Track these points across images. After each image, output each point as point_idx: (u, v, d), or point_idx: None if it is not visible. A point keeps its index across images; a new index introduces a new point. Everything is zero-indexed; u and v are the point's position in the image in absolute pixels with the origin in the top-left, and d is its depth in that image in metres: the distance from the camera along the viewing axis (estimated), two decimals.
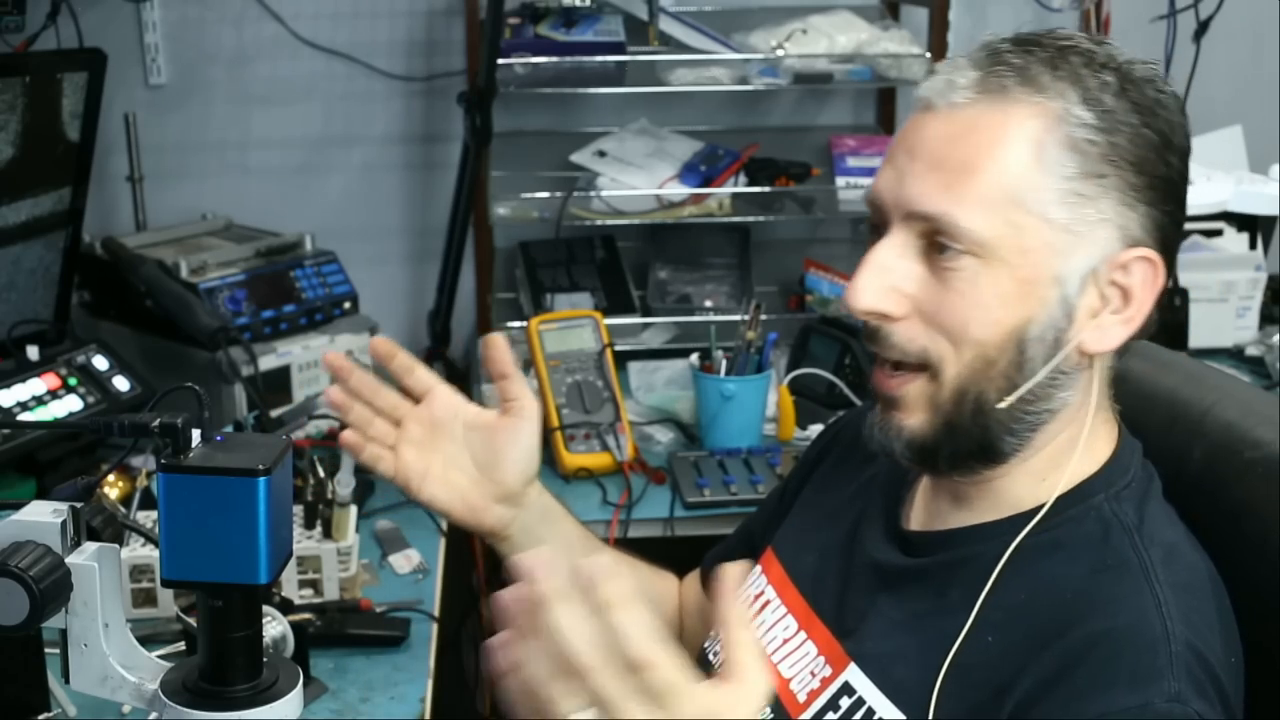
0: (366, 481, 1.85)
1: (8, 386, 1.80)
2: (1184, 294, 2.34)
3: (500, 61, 2.24)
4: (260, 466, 0.84)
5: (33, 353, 1.87)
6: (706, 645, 1.16)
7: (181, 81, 2.50)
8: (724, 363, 2.01)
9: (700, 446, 2.05)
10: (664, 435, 2.13)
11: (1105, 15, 2.61)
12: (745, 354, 2.00)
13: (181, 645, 1.37)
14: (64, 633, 0.92)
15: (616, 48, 2.32)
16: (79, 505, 0.94)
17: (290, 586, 1.53)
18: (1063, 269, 0.91)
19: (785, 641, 1.07)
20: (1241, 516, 0.99)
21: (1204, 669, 0.86)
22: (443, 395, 1.20)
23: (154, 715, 0.90)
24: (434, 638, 1.54)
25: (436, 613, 1.59)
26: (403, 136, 2.59)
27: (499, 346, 1.18)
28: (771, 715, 1.02)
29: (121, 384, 1.91)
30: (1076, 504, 0.96)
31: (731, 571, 0.76)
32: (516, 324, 2.39)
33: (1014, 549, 0.94)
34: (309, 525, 1.58)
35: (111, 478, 1.68)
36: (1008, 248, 0.91)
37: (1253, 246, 2.49)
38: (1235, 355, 2.40)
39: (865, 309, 0.95)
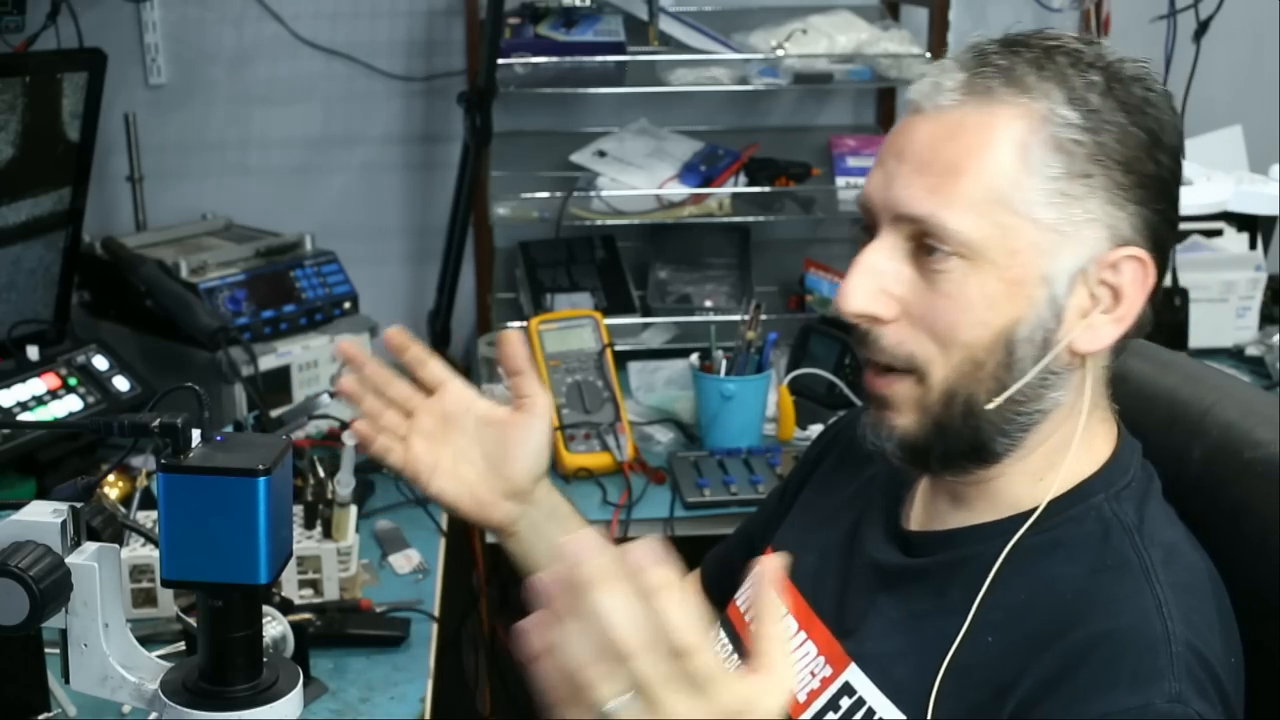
0: (366, 481, 1.85)
1: (8, 386, 1.80)
2: (1184, 294, 2.34)
3: (500, 61, 2.24)
4: (260, 466, 0.83)
5: (33, 353, 1.87)
6: None
7: (181, 81, 2.50)
8: (724, 363, 2.01)
9: (700, 446, 2.05)
10: (664, 435, 2.13)
11: (1105, 15, 2.62)
12: (745, 354, 2.00)
13: (181, 645, 1.37)
14: (64, 633, 0.92)
15: (616, 48, 2.32)
16: (79, 505, 0.93)
17: (290, 586, 1.53)
18: (1050, 269, 0.91)
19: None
20: (1241, 516, 0.99)
21: (1205, 669, 0.86)
22: (455, 389, 1.20)
23: (154, 715, 0.90)
24: (434, 638, 1.54)
25: (436, 613, 1.59)
26: (403, 136, 2.59)
27: (513, 343, 1.18)
28: None
29: (121, 384, 1.91)
30: (1076, 504, 0.96)
31: (770, 564, 0.76)
32: (516, 324, 2.39)
33: (1014, 549, 0.94)
34: (309, 525, 1.58)
35: (111, 478, 1.68)
36: (995, 249, 0.91)
37: (1253, 246, 2.49)
38: (1235, 355, 2.40)
39: (855, 312, 0.95)
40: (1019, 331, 0.92)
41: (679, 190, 2.41)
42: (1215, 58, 2.51)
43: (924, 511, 1.04)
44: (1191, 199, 2.29)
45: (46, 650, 1.15)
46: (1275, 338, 2.32)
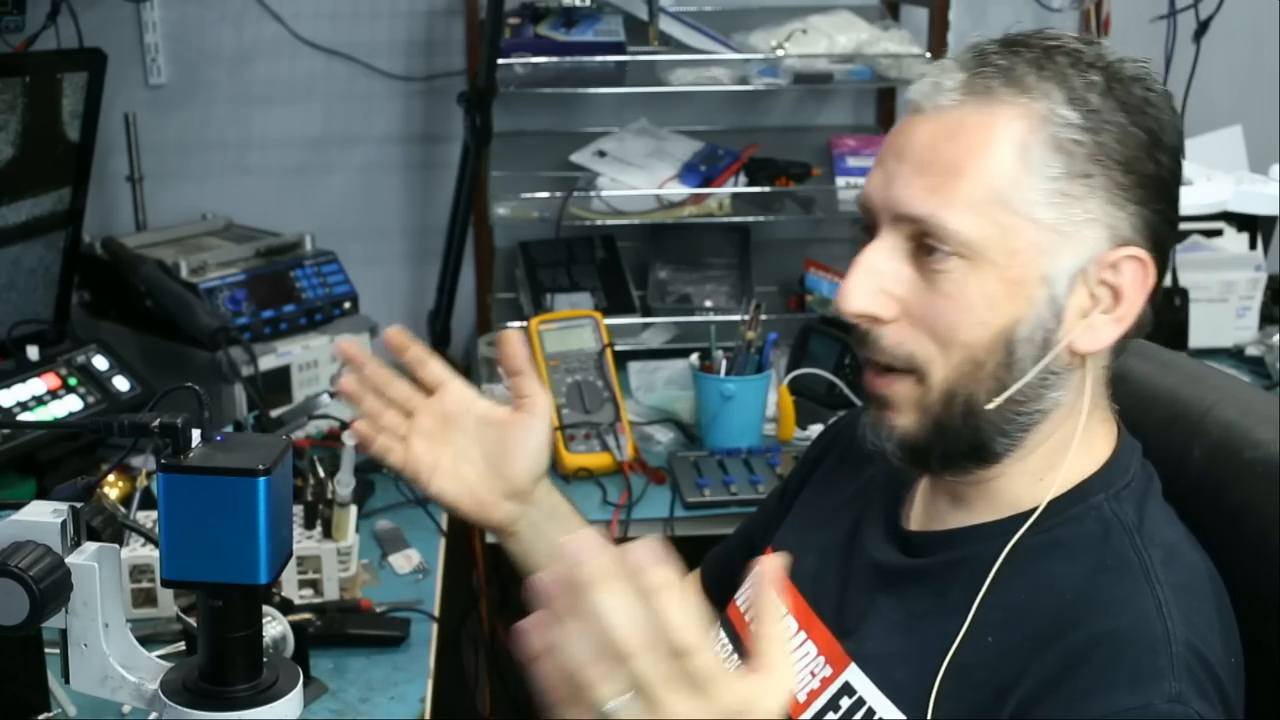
0: (366, 481, 1.85)
1: (8, 386, 1.80)
2: (1184, 294, 2.34)
3: (500, 61, 2.24)
4: (260, 466, 0.83)
5: (33, 353, 1.87)
6: None
7: (181, 81, 2.50)
8: (724, 363, 2.01)
9: (700, 446, 2.05)
10: (664, 435, 2.13)
11: (1105, 15, 2.62)
12: (745, 354, 2.00)
13: (181, 645, 1.37)
14: (64, 633, 0.92)
15: (616, 48, 2.32)
16: (79, 505, 0.93)
17: (290, 586, 1.53)
18: (1050, 269, 0.91)
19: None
20: (1241, 516, 0.99)
21: (1205, 669, 0.86)
22: (455, 389, 1.20)
23: (154, 715, 0.90)
24: (434, 638, 1.54)
25: (436, 613, 1.59)
26: (403, 136, 2.59)
27: (513, 343, 1.18)
28: None
29: (121, 384, 1.91)
30: (1076, 504, 0.96)
31: (770, 564, 0.76)
32: (516, 324, 2.39)
33: (1014, 549, 0.94)
34: (309, 525, 1.58)
35: (111, 478, 1.68)
36: (995, 249, 0.91)
37: (1253, 246, 2.49)
38: (1235, 355, 2.40)
39: (855, 312, 0.95)
40: (1019, 331, 0.92)
41: (679, 190, 2.41)
42: (1215, 58, 2.51)
43: (924, 511, 1.04)
44: (1191, 199, 2.29)
45: (46, 650, 1.15)
46: (1275, 338, 2.32)
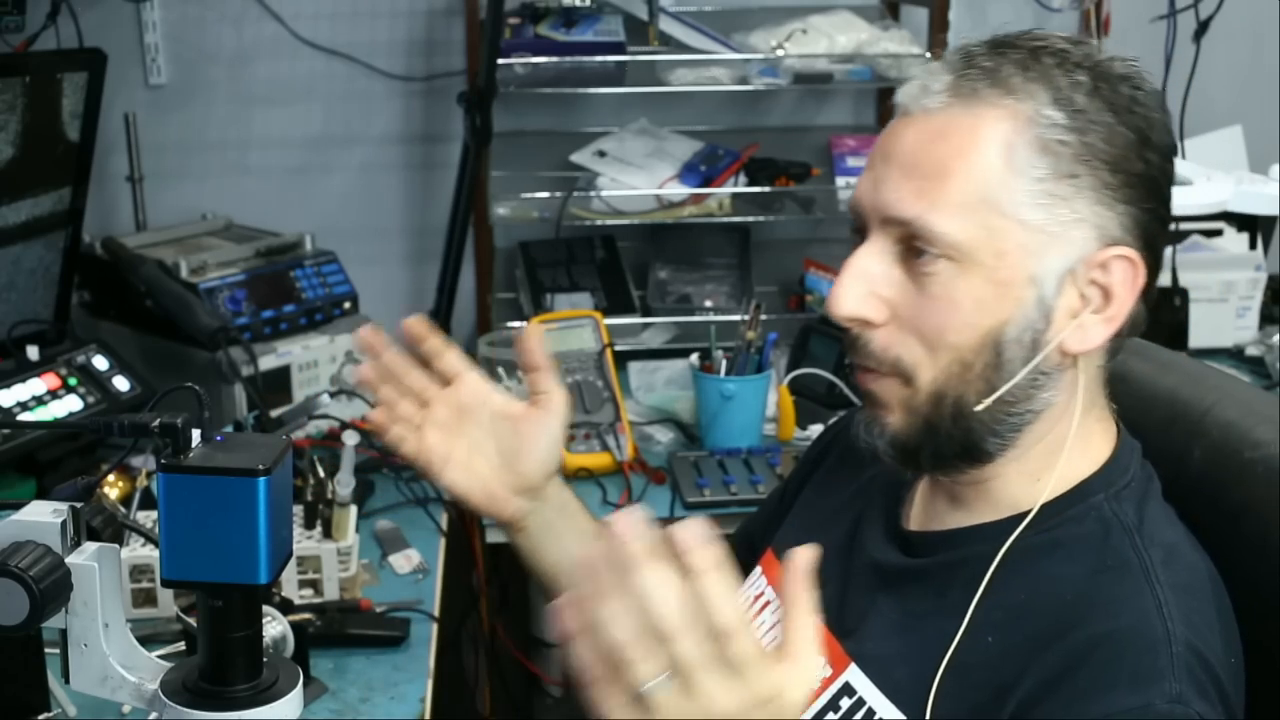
0: (366, 481, 1.85)
1: (8, 386, 1.80)
2: (1184, 294, 2.34)
3: (500, 61, 2.24)
4: (260, 466, 0.83)
5: (33, 353, 1.87)
6: None
7: (181, 81, 2.50)
8: (724, 363, 2.01)
9: (700, 446, 2.05)
10: (664, 435, 2.13)
11: (1105, 15, 2.61)
12: (745, 354, 2.01)
13: (181, 645, 1.37)
14: (64, 633, 0.92)
15: (616, 48, 2.32)
16: (79, 505, 0.93)
17: (290, 586, 1.53)
18: (1038, 270, 0.91)
19: None
20: (1241, 516, 0.99)
21: (1205, 670, 0.86)
22: (472, 381, 1.19)
23: (154, 715, 0.90)
24: (434, 638, 1.54)
25: (436, 613, 1.59)
26: (402, 136, 2.59)
27: (533, 338, 1.18)
28: None
29: (121, 384, 1.91)
30: (1076, 504, 0.95)
31: (802, 555, 0.76)
32: (516, 324, 2.39)
33: (1014, 549, 0.94)
34: (309, 525, 1.58)
35: (111, 478, 1.68)
36: (983, 250, 0.91)
37: (1253, 246, 2.49)
38: (1235, 355, 2.40)
39: (846, 315, 0.95)
40: (1007, 333, 0.92)
41: (679, 190, 2.41)
42: (1215, 58, 2.51)
43: (923, 512, 1.04)
44: (1191, 199, 2.28)
45: (46, 650, 1.15)
46: (1275, 338, 2.32)
